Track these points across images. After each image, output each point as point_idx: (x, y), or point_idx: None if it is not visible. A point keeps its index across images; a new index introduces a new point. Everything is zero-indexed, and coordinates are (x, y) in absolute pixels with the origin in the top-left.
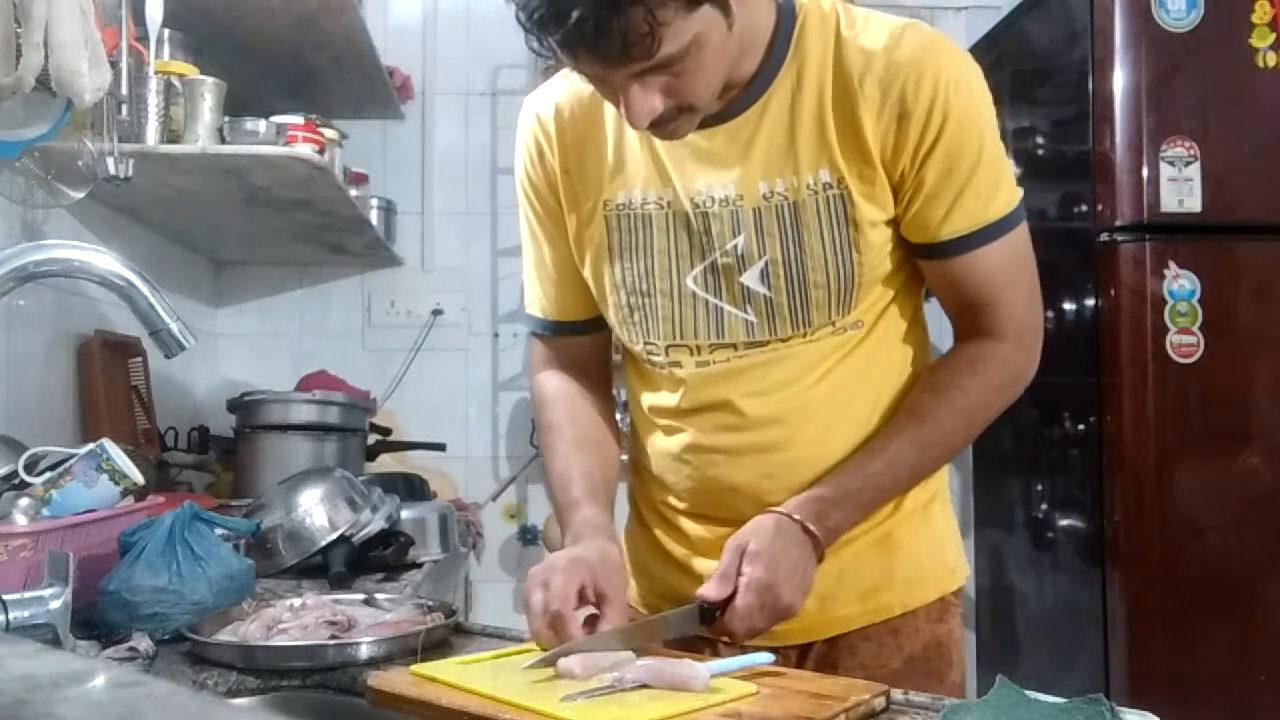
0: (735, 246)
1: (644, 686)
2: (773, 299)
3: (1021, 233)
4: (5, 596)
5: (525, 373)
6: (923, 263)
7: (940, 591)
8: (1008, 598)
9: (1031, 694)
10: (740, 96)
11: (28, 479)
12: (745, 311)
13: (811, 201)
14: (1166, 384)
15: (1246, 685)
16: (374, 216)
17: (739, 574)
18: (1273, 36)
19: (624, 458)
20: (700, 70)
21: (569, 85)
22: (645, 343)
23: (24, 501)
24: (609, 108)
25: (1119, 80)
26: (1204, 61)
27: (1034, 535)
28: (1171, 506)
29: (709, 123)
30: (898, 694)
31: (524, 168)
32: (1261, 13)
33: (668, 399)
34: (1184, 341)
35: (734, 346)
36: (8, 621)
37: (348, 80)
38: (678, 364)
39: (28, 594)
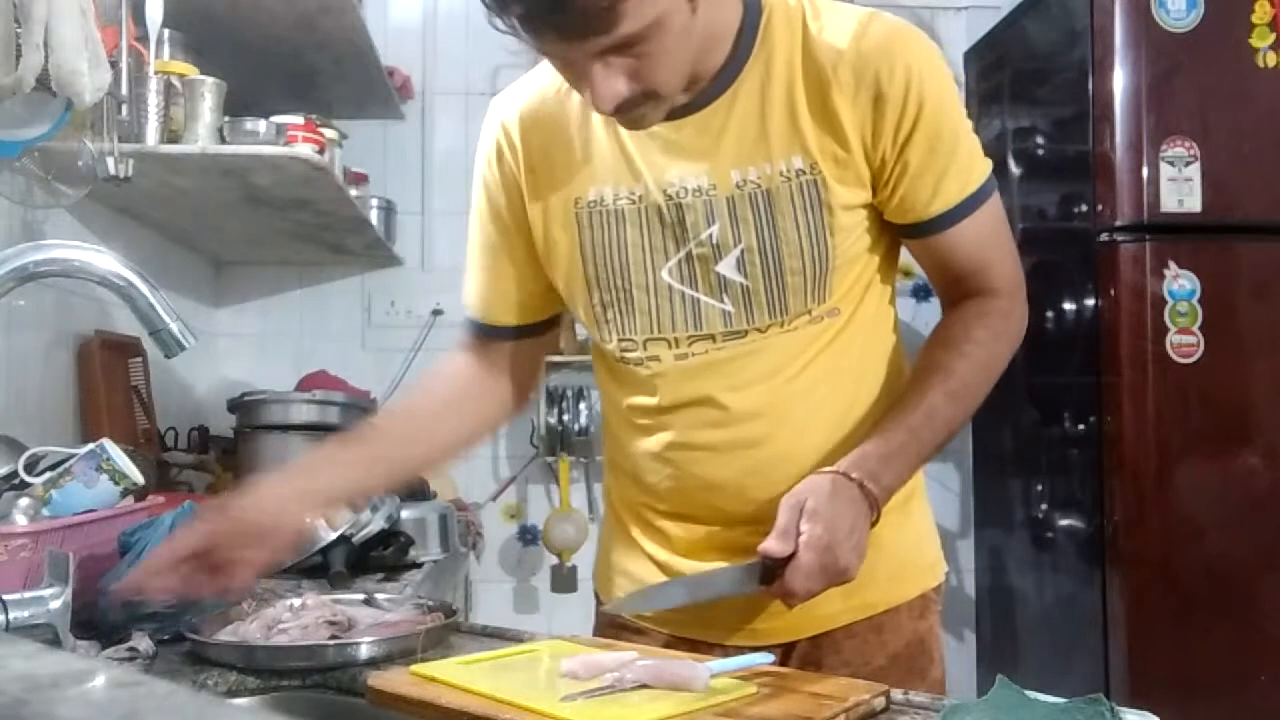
0: (710, 236)
1: (644, 686)
2: (749, 287)
3: (996, 196)
4: (5, 596)
5: None
6: (911, 242)
7: (922, 588)
8: (1008, 598)
9: (1031, 694)
10: (708, 89)
11: (28, 479)
12: (722, 301)
13: (785, 188)
14: (1166, 384)
15: (1246, 685)
16: (374, 216)
17: (798, 532)
18: (1273, 36)
19: (600, 458)
20: (664, 54)
21: (536, 86)
22: (621, 339)
23: (24, 501)
24: (576, 107)
25: (1119, 80)
26: (1204, 61)
27: (1034, 535)
28: (1171, 506)
29: (678, 114)
30: (898, 694)
31: (486, 164)
32: (1261, 13)
33: (646, 396)
34: (1184, 341)
35: (712, 337)
36: (8, 621)
37: (348, 80)
38: (656, 358)
39: (28, 594)
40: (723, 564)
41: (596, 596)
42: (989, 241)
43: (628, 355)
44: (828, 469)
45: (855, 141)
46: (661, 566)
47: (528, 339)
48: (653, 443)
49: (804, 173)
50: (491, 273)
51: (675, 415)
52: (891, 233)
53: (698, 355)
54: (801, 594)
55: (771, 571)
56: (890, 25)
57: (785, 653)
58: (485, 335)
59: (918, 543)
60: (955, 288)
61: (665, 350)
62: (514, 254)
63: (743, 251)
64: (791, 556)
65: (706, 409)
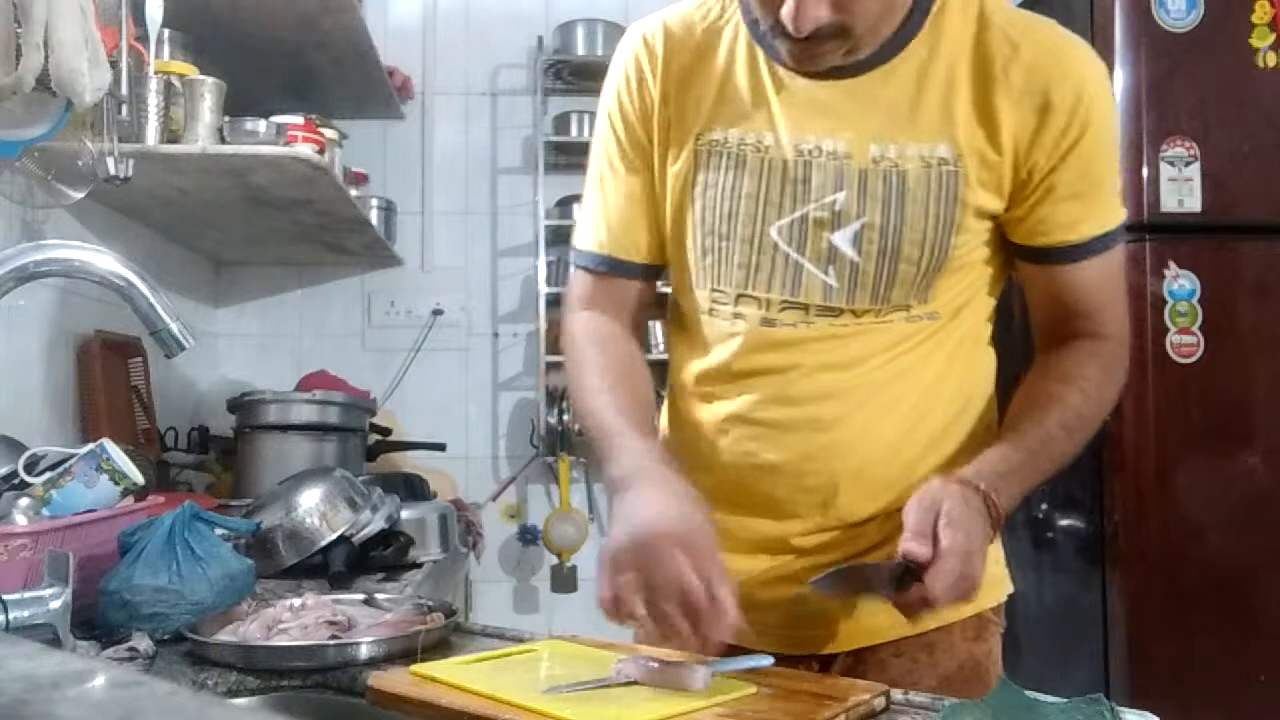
0: (834, 202)
1: (634, 683)
2: (860, 265)
3: (1123, 247)
4: (5, 596)
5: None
6: (1031, 267)
7: (976, 607)
8: (1008, 598)
9: (1031, 694)
10: (869, 57)
11: (28, 479)
12: (826, 273)
13: (923, 174)
14: (1166, 384)
15: (1246, 685)
16: (374, 216)
17: (937, 536)
18: (1273, 36)
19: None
20: None
21: (683, 13)
22: (713, 289)
23: (24, 501)
24: (721, 44)
25: (1119, 80)
26: (1204, 61)
27: (1034, 535)
28: (1171, 506)
29: (832, 75)
30: (898, 694)
31: (617, 93)
32: (1261, 13)
33: (720, 355)
34: (1184, 341)
35: (805, 309)
36: (8, 621)
37: (348, 80)
38: (741, 316)
39: (28, 594)
40: (755, 559)
41: None
42: (1110, 287)
43: (716, 308)
44: (950, 478)
45: (1009, 145)
46: None
47: (649, 283)
48: (712, 412)
49: (946, 162)
50: (624, 204)
51: (744, 384)
52: (1008, 253)
53: (785, 326)
54: (942, 602)
55: (914, 574)
56: (1072, 38)
57: (825, 665)
58: (611, 273)
59: None
60: (1064, 326)
61: (754, 310)
62: (645, 184)
63: (863, 227)
64: (921, 564)
65: (777, 382)
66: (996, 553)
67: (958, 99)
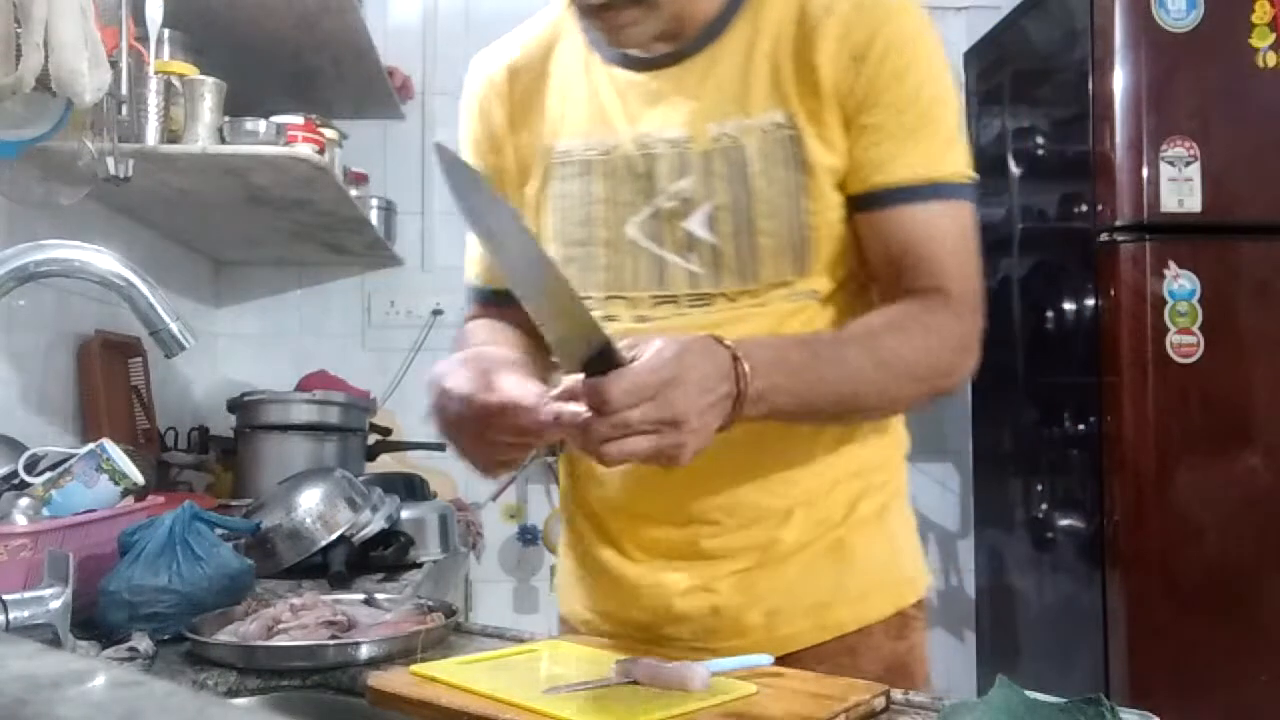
0: (680, 190)
1: (634, 684)
2: (719, 246)
3: (969, 212)
4: (5, 596)
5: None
6: (860, 218)
7: (896, 605)
8: (1008, 598)
9: (1031, 694)
10: (694, 40)
11: (28, 479)
12: (688, 261)
13: (761, 142)
14: (1166, 384)
15: (1246, 685)
16: (374, 216)
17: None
18: (1273, 36)
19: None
20: None
21: (520, 41)
22: (581, 296)
23: (24, 501)
24: (556, 61)
25: (1119, 80)
26: (1204, 61)
27: (1034, 535)
28: (1171, 506)
29: (661, 64)
30: (898, 694)
31: (469, 127)
32: (1261, 13)
33: None
34: (1184, 341)
35: (675, 300)
36: (8, 621)
37: (348, 80)
38: (614, 318)
39: (28, 594)
40: (668, 570)
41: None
42: (947, 245)
43: None
44: (712, 335)
45: (831, 97)
46: (607, 570)
47: None
48: None
49: (782, 126)
50: None
51: None
52: None
53: (658, 320)
54: (614, 409)
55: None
56: None
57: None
58: (489, 303)
59: (894, 556)
60: (898, 282)
61: (624, 310)
62: None
63: (714, 209)
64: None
65: None
66: (910, 551)
67: (784, 66)
